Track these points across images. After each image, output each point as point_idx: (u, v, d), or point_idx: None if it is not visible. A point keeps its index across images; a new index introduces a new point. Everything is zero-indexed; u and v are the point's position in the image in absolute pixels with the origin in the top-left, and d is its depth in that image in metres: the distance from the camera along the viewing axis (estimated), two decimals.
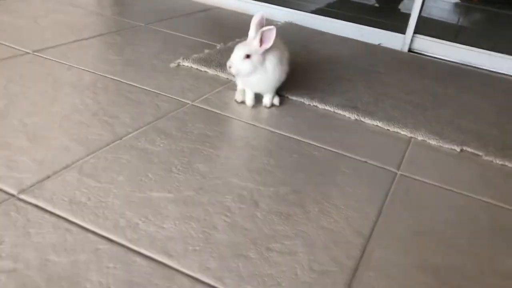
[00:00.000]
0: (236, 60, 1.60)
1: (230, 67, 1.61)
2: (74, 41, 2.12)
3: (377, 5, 4.07)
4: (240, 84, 1.79)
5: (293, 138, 1.57)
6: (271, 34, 1.58)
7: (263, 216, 1.16)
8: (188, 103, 1.70)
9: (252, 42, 1.61)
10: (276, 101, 1.79)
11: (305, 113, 1.78)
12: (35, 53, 1.91)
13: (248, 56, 1.59)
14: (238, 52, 1.60)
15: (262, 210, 1.19)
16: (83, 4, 2.73)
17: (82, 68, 1.84)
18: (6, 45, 1.94)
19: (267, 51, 1.62)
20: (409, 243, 1.16)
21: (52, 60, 1.87)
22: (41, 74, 1.74)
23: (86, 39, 2.18)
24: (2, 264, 0.91)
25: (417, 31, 2.80)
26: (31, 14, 2.39)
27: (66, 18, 2.43)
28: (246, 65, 1.60)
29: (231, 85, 1.90)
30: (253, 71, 1.62)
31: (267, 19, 1.69)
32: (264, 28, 1.57)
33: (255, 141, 1.52)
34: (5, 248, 0.95)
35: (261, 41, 1.59)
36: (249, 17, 1.69)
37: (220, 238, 1.07)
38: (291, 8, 3.12)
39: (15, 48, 1.92)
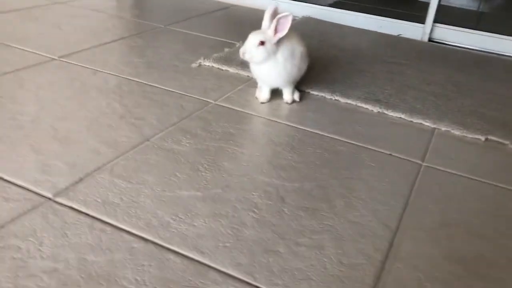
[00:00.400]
0: (250, 47, 1.61)
1: (244, 53, 1.62)
2: (97, 45, 2.17)
3: None
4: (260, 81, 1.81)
5: (316, 133, 1.59)
6: (287, 22, 1.59)
7: (290, 212, 1.19)
8: (211, 103, 1.73)
9: (266, 31, 1.62)
10: (297, 96, 1.80)
11: (327, 108, 1.79)
12: (61, 59, 1.96)
13: (262, 43, 1.60)
14: (253, 38, 1.61)
15: (289, 205, 1.21)
16: (103, 8, 2.79)
17: (107, 72, 1.88)
18: (33, 52, 2.00)
19: (280, 42, 1.63)
20: (436, 234, 1.17)
21: (78, 65, 1.92)
22: (68, 79, 1.79)
23: (109, 43, 2.23)
24: (43, 265, 0.95)
25: (437, 20, 2.77)
26: (55, 21, 2.45)
27: (88, 23, 2.49)
28: (260, 51, 1.61)
29: (252, 83, 1.92)
30: (266, 59, 1.62)
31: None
32: (280, 15, 1.58)
33: (278, 137, 1.54)
34: (45, 249, 0.99)
35: (276, 30, 1.60)
36: None
37: (249, 234, 1.10)
38: (308, 2, 3.12)
39: (42, 55, 1.98)
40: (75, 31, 2.34)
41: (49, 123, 1.47)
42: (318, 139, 1.55)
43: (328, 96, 1.86)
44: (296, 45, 1.70)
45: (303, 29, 2.73)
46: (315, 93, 1.88)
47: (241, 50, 1.63)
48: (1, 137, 1.37)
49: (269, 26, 1.62)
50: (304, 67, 1.75)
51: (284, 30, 1.60)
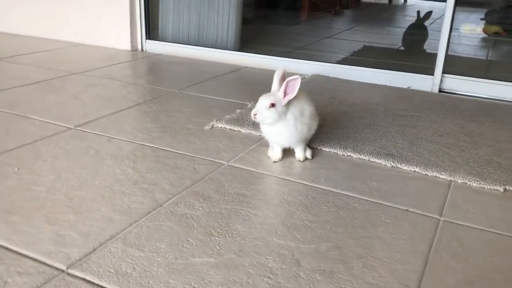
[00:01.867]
0: (261, 109, 1.65)
1: (255, 114, 1.66)
2: (113, 112, 2.23)
3: (402, 48, 4.11)
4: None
5: (329, 190, 1.58)
6: (296, 84, 1.63)
7: (306, 276, 1.16)
8: (224, 164, 1.75)
9: (276, 93, 1.67)
10: (309, 154, 1.81)
11: (339, 164, 1.78)
12: (76, 128, 2.02)
13: (273, 105, 1.64)
14: (263, 101, 1.66)
15: (305, 269, 1.18)
16: (119, 77, 2.89)
17: (121, 138, 1.92)
18: (51, 123, 2.06)
19: (289, 103, 1.67)
20: None
21: (93, 133, 1.97)
22: (83, 148, 1.83)
23: (124, 109, 2.29)
24: None
25: (445, 70, 2.80)
26: (72, 91, 2.54)
27: (104, 91, 2.58)
28: (271, 113, 1.64)
29: (264, 142, 1.94)
30: (277, 120, 1.66)
31: (293, 73, 1.75)
32: (290, 78, 1.62)
33: (291, 196, 1.53)
34: None
35: (285, 92, 1.64)
36: None
37: None
38: (317, 60, 3.19)
39: (59, 125, 2.04)
40: (92, 100, 2.42)
41: (64, 192, 1.49)
42: (332, 197, 1.54)
43: (340, 152, 1.86)
44: (305, 104, 1.73)
45: (312, 87, 2.78)
46: (327, 149, 1.89)
47: (253, 112, 1.67)
48: (16, 209, 1.39)
49: (279, 88, 1.66)
50: (314, 125, 1.78)
51: (293, 92, 1.64)
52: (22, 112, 2.18)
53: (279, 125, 1.69)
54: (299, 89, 1.66)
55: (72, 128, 2.02)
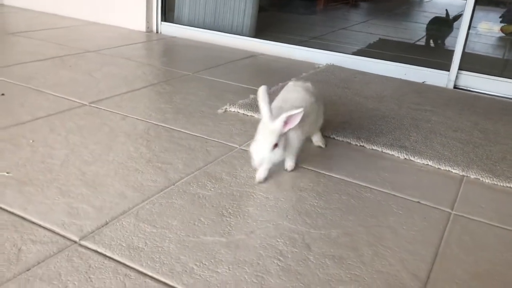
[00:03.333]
0: (265, 154, 1.41)
1: (261, 163, 1.44)
2: (127, 92, 2.24)
3: (432, 45, 4.09)
4: None
5: (341, 179, 1.58)
6: (297, 118, 1.41)
7: (316, 260, 1.16)
8: (236, 147, 1.75)
9: (274, 125, 1.41)
10: (322, 142, 1.80)
11: (352, 154, 1.78)
12: (91, 105, 2.02)
13: (276, 145, 1.42)
14: (266, 144, 1.42)
15: (315, 253, 1.18)
16: (133, 57, 2.89)
17: (135, 117, 1.93)
18: (65, 98, 2.07)
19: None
20: (469, 286, 1.12)
21: (107, 110, 1.98)
22: (98, 124, 1.84)
23: (138, 89, 2.30)
24: None
25: (461, 67, 2.77)
26: (87, 68, 2.55)
27: (118, 70, 2.58)
28: (278, 154, 1.43)
29: None
30: (284, 153, 1.49)
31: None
32: (291, 113, 1.39)
33: (303, 183, 1.53)
34: None
35: (286, 123, 1.42)
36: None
37: (274, 283, 1.07)
38: (332, 50, 3.17)
39: (73, 101, 2.05)
40: (106, 78, 2.43)
41: (78, 166, 1.50)
42: (343, 185, 1.53)
43: (353, 142, 1.85)
44: (306, 103, 1.57)
45: (327, 76, 2.76)
46: (340, 139, 1.88)
47: (256, 162, 1.43)
48: (31, 180, 1.40)
49: (269, 111, 1.43)
50: (320, 120, 1.75)
51: (294, 123, 1.42)
52: (37, 86, 2.18)
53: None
54: (296, 86, 1.64)
55: (86, 105, 2.02)
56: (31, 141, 1.64)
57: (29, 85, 2.19)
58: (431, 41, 4.09)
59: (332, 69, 2.95)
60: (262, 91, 1.48)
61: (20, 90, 2.13)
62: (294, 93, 1.64)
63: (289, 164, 1.61)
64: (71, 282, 1.02)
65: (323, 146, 1.81)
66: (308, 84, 1.71)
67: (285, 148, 1.46)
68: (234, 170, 1.57)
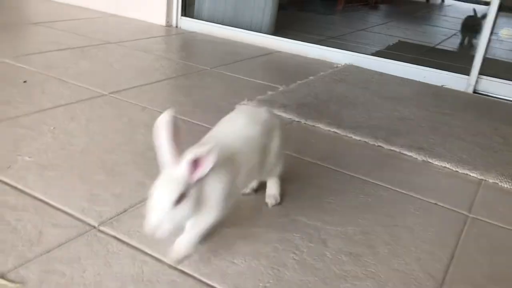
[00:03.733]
0: (163, 215, 0.94)
1: (153, 231, 0.95)
2: (146, 83, 2.25)
3: (468, 43, 4.13)
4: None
5: (358, 178, 1.57)
6: (211, 159, 0.95)
7: (332, 256, 1.16)
8: None
9: (177, 171, 0.97)
10: (272, 199, 1.35)
11: (370, 153, 1.77)
12: (111, 95, 2.04)
13: (182, 197, 0.95)
14: (163, 199, 0.95)
15: (331, 249, 1.18)
16: (152, 50, 2.91)
17: (154, 109, 1.94)
18: (85, 87, 2.09)
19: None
20: None
21: (127, 101, 2.00)
22: (117, 114, 1.86)
23: (157, 82, 2.31)
24: None
25: (482, 72, 2.75)
26: (107, 59, 2.57)
27: (138, 63, 2.60)
28: (183, 212, 0.97)
29: (294, 125, 1.94)
30: (194, 212, 1.00)
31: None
32: (199, 152, 0.95)
33: (321, 180, 1.53)
34: (88, 276, 1.00)
35: (196, 166, 0.96)
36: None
37: (290, 275, 1.07)
38: (350, 50, 3.16)
39: (93, 90, 2.07)
40: (126, 69, 2.45)
41: (97, 155, 1.52)
42: (361, 184, 1.53)
43: (371, 141, 1.85)
44: (244, 137, 1.16)
45: (345, 76, 2.75)
46: (357, 138, 1.88)
47: (151, 225, 0.95)
48: (52, 165, 1.42)
49: (171, 149, 1.00)
50: (273, 157, 1.24)
51: (208, 165, 0.96)
52: (58, 75, 2.21)
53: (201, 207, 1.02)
54: (239, 113, 1.25)
55: (106, 95, 2.04)
56: (52, 128, 1.66)
57: (50, 74, 2.21)
58: (466, 40, 4.12)
59: (350, 69, 2.94)
60: (163, 121, 1.01)
61: (42, 78, 2.16)
62: (232, 122, 1.21)
63: (192, 233, 1.05)
64: (89, 265, 1.03)
65: (272, 203, 1.32)
66: (260, 110, 1.28)
67: (198, 204, 0.99)
68: None
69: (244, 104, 1.49)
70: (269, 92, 2.29)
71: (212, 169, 0.97)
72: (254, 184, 1.39)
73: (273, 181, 1.35)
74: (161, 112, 1.03)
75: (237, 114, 1.26)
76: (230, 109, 2.12)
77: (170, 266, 1.06)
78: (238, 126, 1.19)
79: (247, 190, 1.38)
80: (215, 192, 1.03)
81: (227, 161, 1.05)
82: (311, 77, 2.61)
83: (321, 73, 2.75)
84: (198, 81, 2.41)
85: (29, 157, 1.44)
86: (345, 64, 3.03)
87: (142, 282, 1.00)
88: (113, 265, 1.04)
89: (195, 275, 1.04)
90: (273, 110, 2.06)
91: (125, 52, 2.77)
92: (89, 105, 1.91)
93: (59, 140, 1.58)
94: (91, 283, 0.98)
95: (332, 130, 1.92)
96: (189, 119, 1.88)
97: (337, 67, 2.95)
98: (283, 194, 1.39)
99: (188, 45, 3.29)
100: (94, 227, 1.16)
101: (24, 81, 2.08)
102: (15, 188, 1.29)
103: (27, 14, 3.57)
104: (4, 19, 3.22)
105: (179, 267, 1.06)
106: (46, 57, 2.49)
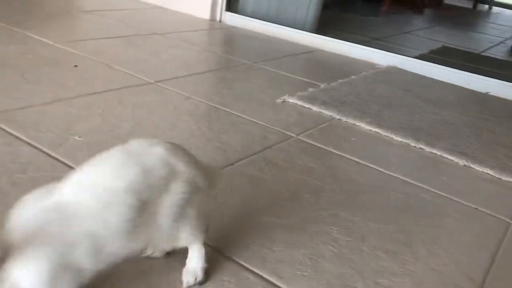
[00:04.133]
0: None
1: None
2: (190, 74, 2.30)
3: None
4: None
5: (399, 178, 1.57)
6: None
7: (370, 251, 1.16)
8: (293, 136, 1.77)
9: None
10: (191, 276, 0.96)
11: (411, 155, 1.76)
12: (157, 83, 2.10)
13: None
14: None
15: (369, 245, 1.19)
16: (197, 42, 2.96)
17: (198, 98, 1.98)
18: (132, 75, 2.16)
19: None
20: None
21: (172, 90, 2.05)
22: (162, 101, 1.91)
23: (200, 73, 2.36)
24: None
25: None
26: (153, 49, 2.64)
27: (183, 54, 2.65)
28: None
29: (334, 122, 1.94)
30: None
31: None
32: None
33: (361, 177, 1.54)
34: None
35: None
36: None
37: (327, 266, 1.09)
38: (393, 52, 3.13)
39: (140, 78, 2.13)
40: (171, 60, 2.50)
41: (143, 138, 1.56)
42: (401, 184, 1.53)
43: (412, 143, 1.83)
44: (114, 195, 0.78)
45: (388, 77, 2.73)
46: (398, 139, 1.86)
47: None
48: (100, 145, 1.47)
49: None
50: (167, 219, 0.84)
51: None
52: (107, 61, 2.28)
53: None
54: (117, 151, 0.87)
55: (152, 83, 2.10)
56: (101, 110, 1.72)
57: (100, 60, 2.29)
58: None
59: (393, 70, 2.92)
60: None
61: (93, 63, 2.24)
62: (102, 166, 0.84)
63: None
64: None
65: (189, 283, 0.95)
66: (151, 149, 0.88)
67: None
68: (290, 158, 1.59)
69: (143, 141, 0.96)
70: (310, 89, 2.29)
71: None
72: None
73: (195, 249, 0.96)
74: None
75: (114, 151, 0.86)
76: (271, 102, 2.17)
77: (209, 247, 1.09)
78: (101, 170, 0.82)
79: (154, 252, 1.00)
80: (29, 280, 0.69)
81: (53, 228, 0.73)
82: (353, 77, 2.61)
83: (363, 73, 2.74)
84: (240, 75, 2.44)
85: (79, 137, 1.51)
86: (388, 65, 3.00)
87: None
88: None
89: (235, 258, 1.07)
90: (312, 107, 2.07)
91: (171, 43, 2.83)
92: (135, 91, 1.97)
93: (107, 122, 1.64)
94: None
95: (373, 129, 1.91)
96: (231, 111, 1.91)
97: (379, 68, 2.92)
98: (321, 188, 1.40)
99: (231, 39, 3.33)
100: None
101: (75, 66, 2.16)
102: (65, 164, 1.35)
103: (80, 2, 3.69)
104: (58, 7, 3.34)
105: (219, 249, 1.09)
106: (96, 44, 2.58)
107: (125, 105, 1.81)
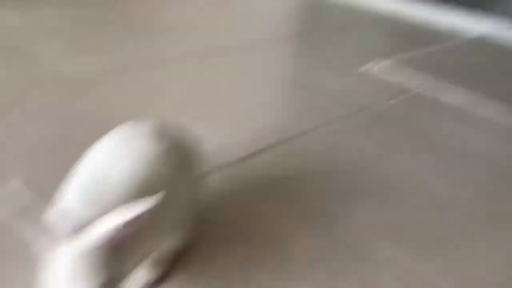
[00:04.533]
0: None
1: None
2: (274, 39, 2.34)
3: None
4: None
5: None
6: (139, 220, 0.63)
7: None
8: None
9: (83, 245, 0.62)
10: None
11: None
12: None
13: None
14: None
15: None
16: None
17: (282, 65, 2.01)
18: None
19: None
20: None
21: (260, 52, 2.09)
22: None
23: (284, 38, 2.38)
24: None
25: None
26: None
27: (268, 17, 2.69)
28: None
29: (422, 91, 1.89)
30: None
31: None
32: (127, 215, 0.62)
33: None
34: None
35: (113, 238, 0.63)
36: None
37: None
38: (489, 17, 2.91)
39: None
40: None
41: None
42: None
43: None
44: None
45: (479, 47, 2.57)
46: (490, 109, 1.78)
47: None
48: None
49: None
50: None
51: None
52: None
53: None
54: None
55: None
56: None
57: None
58: None
59: (485, 39, 2.74)
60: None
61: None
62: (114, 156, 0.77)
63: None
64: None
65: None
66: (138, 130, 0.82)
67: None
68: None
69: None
70: (397, 56, 2.24)
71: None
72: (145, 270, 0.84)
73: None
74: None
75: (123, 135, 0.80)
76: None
77: None
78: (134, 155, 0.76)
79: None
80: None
81: None
82: (440, 45, 2.50)
83: (453, 42, 2.60)
84: (322, 42, 2.43)
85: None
86: (476, 37, 2.82)
87: None
88: None
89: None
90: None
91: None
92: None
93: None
94: None
95: (462, 99, 1.84)
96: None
97: (470, 36, 2.76)
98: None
99: (314, 8, 3.29)
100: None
101: None
102: None
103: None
104: None
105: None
106: None
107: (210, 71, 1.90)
